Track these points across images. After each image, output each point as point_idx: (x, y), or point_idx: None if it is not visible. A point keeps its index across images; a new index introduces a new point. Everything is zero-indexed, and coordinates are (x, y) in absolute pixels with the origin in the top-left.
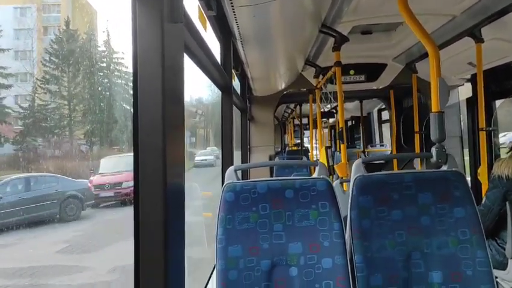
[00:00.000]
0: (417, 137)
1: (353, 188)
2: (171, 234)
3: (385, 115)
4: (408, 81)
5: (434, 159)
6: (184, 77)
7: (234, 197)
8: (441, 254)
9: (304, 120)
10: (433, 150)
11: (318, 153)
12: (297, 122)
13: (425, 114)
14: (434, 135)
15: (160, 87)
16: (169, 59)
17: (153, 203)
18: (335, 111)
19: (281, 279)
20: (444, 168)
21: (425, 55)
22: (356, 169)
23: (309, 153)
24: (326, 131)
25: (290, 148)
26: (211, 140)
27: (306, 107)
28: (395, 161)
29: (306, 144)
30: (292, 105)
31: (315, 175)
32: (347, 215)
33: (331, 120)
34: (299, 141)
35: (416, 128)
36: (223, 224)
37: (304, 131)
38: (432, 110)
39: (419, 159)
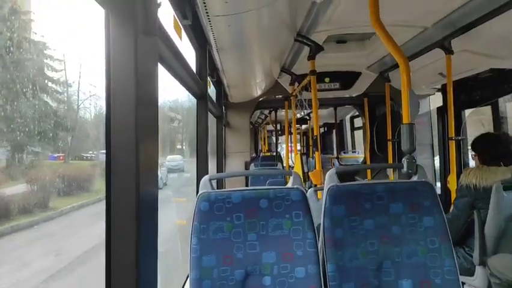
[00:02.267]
0: (390, 144)
1: (326, 198)
2: (143, 242)
3: (357, 122)
4: (382, 89)
5: (404, 169)
6: (158, 86)
7: (208, 206)
8: (411, 262)
9: (278, 126)
10: (404, 160)
11: (293, 158)
12: (270, 127)
13: (397, 122)
14: (404, 145)
15: (133, 97)
16: (143, 69)
17: (125, 210)
18: (308, 117)
19: None
20: (414, 178)
21: (398, 65)
22: (330, 179)
23: (283, 159)
24: (298, 137)
25: (264, 154)
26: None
27: (280, 113)
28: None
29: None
30: (266, 111)
31: (289, 184)
32: (320, 224)
33: (304, 126)
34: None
35: (389, 135)
36: (197, 233)
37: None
38: (403, 122)
39: None
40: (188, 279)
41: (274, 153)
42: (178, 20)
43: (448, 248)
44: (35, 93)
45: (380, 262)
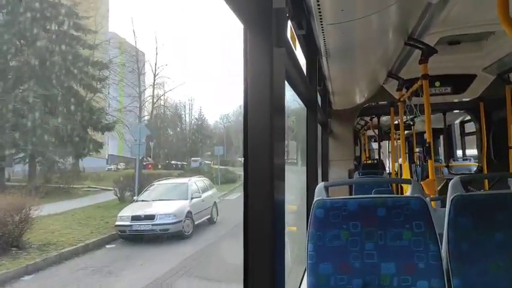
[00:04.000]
0: (511, 152)
1: (450, 208)
2: (277, 241)
3: (468, 128)
4: (500, 92)
5: None
6: (284, 95)
7: (324, 213)
8: None
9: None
10: None
11: (397, 166)
12: (370, 133)
13: None
14: None
15: (268, 105)
16: (275, 79)
17: (262, 214)
18: (412, 123)
19: None
20: None
21: None
22: (454, 188)
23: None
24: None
25: (365, 161)
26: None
27: (382, 119)
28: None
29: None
30: (367, 117)
31: (408, 193)
32: (439, 235)
33: (406, 132)
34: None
35: (510, 142)
36: (313, 240)
37: (373, 143)
38: None
39: None
40: (305, 282)
41: (375, 161)
42: (293, 30)
43: None
44: None
45: None
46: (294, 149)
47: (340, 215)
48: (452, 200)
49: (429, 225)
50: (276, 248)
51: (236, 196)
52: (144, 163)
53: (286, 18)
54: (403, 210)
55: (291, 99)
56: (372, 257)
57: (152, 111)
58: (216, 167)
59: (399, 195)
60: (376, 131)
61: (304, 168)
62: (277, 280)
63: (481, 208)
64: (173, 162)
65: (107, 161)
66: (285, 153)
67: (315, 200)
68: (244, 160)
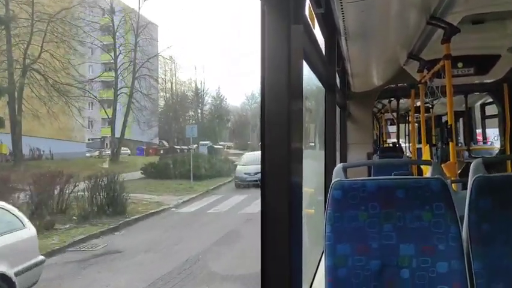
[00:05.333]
0: None
1: (471, 189)
2: (293, 222)
3: (489, 110)
4: None
5: None
6: (302, 76)
7: (342, 195)
8: None
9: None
10: None
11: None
12: (388, 116)
13: None
14: None
15: (285, 88)
16: (293, 59)
17: (278, 196)
18: (431, 105)
19: (392, 280)
20: None
21: None
22: (476, 169)
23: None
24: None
25: (383, 145)
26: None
27: (401, 101)
28: (508, 162)
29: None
30: (385, 100)
31: (428, 175)
32: (460, 217)
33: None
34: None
35: None
36: (331, 221)
37: (389, 126)
38: None
39: None
40: (324, 265)
41: (391, 145)
42: (312, 8)
43: None
44: None
45: None
46: (312, 132)
47: (358, 196)
48: (473, 182)
49: (450, 207)
50: (292, 228)
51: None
52: (143, 147)
53: None
54: (423, 192)
55: (309, 80)
56: (391, 238)
57: (133, 81)
58: (231, 151)
59: (419, 177)
60: (394, 114)
61: (323, 152)
62: (294, 259)
63: (503, 190)
64: (176, 146)
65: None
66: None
67: (333, 181)
68: (261, 143)
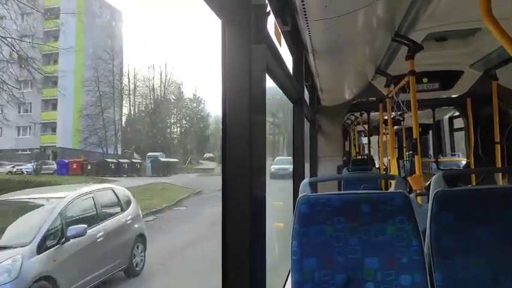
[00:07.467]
0: (497, 147)
1: (432, 203)
2: (256, 239)
3: (457, 123)
4: (487, 88)
5: None
6: (265, 92)
7: (308, 209)
8: None
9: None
10: None
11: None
12: (360, 128)
13: (505, 124)
14: None
15: (246, 102)
16: (255, 76)
17: (239, 208)
18: (401, 118)
19: None
20: None
21: (507, 61)
22: (436, 183)
23: (374, 163)
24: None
25: (354, 157)
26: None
27: (372, 114)
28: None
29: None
30: (357, 113)
31: (391, 189)
32: (423, 230)
33: (395, 127)
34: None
35: (497, 137)
36: (297, 236)
37: (363, 138)
38: None
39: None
40: (289, 280)
41: (365, 157)
42: (278, 26)
43: None
44: None
45: (496, 274)
46: (281, 146)
47: (324, 211)
48: (434, 196)
49: (412, 220)
50: (254, 246)
51: None
52: (66, 161)
53: (267, 15)
54: (386, 206)
55: (280, 97)
56: (356, 252)
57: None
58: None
59: (383, 191)
60: (366, 126)
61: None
62: (255, 278)
63: (464, 203)
64: (122, 160)
65: None
66: (275, 149)
67: (299, 196)
68: (222, 157)
